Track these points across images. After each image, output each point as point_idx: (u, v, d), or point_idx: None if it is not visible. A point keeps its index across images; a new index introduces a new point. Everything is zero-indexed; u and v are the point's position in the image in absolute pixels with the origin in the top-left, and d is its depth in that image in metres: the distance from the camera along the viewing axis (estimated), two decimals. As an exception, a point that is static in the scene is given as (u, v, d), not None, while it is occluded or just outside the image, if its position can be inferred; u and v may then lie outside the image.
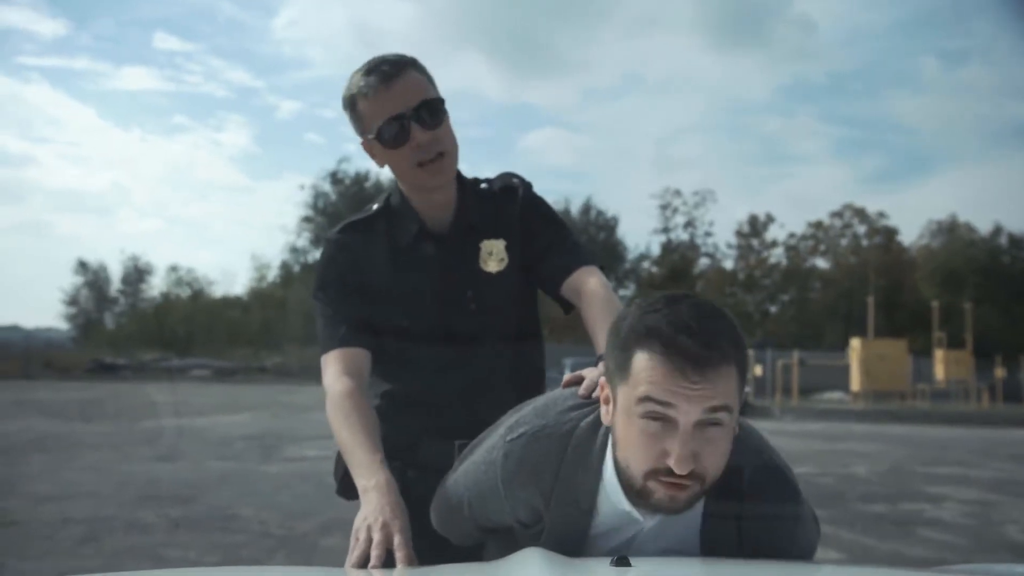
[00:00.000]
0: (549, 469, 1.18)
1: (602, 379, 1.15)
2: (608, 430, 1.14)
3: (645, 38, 61.61)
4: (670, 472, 1.03)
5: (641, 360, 1.04)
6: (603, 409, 1.14)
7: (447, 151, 1.57)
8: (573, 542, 1.17)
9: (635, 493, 1.09)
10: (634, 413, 1.04)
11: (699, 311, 1.05)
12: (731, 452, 1.10)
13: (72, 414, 14.55)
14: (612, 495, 1.15)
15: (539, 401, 1.29)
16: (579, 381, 1.29)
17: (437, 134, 1.55)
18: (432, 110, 1.54)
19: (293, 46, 65.00)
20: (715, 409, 1.03)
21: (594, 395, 1.23)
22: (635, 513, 1.13)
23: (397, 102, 1.52)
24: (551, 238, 1.69)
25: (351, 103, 1.57)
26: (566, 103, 65.27)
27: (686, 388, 1.01)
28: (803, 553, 1.20)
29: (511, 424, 1.24)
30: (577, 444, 1.17)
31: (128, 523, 5.76)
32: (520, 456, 1.19)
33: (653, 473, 1.05)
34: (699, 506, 1.14)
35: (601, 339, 1.38)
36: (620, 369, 1.07)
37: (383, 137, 1.54)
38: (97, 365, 32.51)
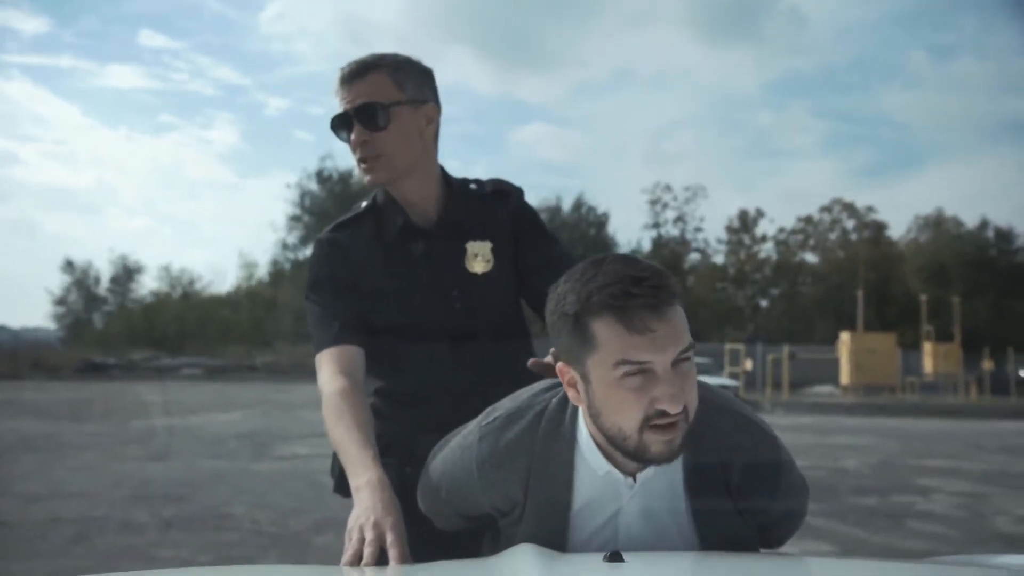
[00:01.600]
0: (524, 448, 1.20)
1: (560, 365, 1.16)
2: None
3: (636, 33, 61.69)
4: (663, 414, 1.06)
5: (601, 328, 1.05)
6: (570, 393, 1.15)
7: (386, 154, 1.59)
8: (556, 519, 1.18)
9: (630, 452, 1.10)
10: (612, 379, 1.06)
11: (631, 262, 1.08)
12: (703, 409, 1.12)
13: (61, 414, 14.48)
14: (590, 459, 1.17)
15: (514, 393, 1.31)
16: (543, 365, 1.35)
17: (378, 137, 1.57)
18: (372, 112, 1.56)
19: (280, 42, 64.81)
20: (683, 350, 1.06)
21: None
22: (616, 472, 1.15)
23: (346, 101, 1.58)
24: (543, 255, 1.71)
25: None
26: (557, 98, 65.32)
27: (653, 338, 1.04)
28: (791, 494, 1.23)
29: (487, 412, 1.28)
30: (549, 419, 1.20)
31: (119, 523, 5.73)
32: (495, 438, 1.22)
33: (646, 422, 1.07)
34: (678, 465, 1.16)
35: None
36: (581, 345, 1.08)
37: (334, 130, 1.61)
38: (86, 365, 32.32)
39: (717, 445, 1.16)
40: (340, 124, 1.60)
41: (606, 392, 1.07)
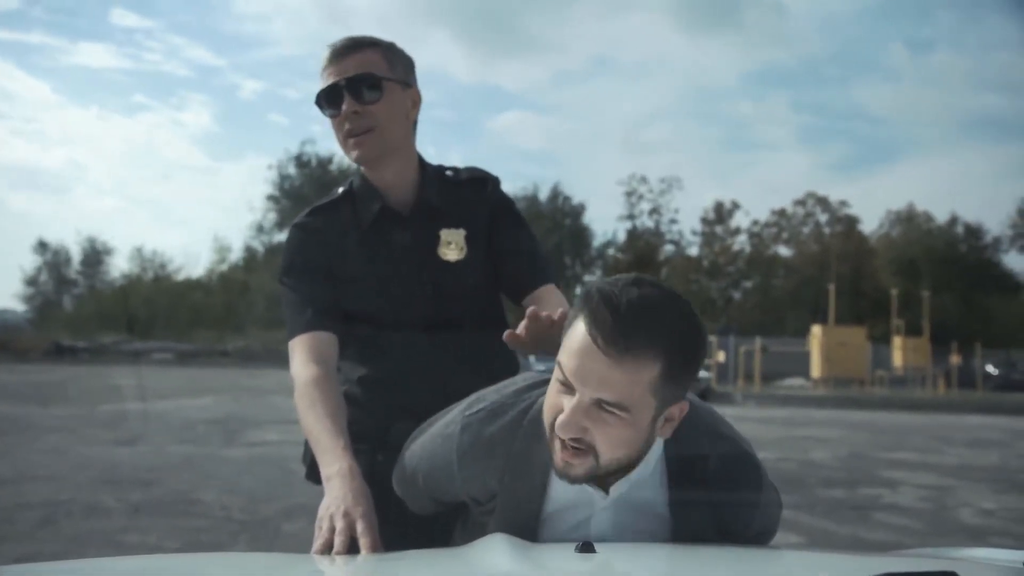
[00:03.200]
0: (503, 444, 1.19)
1: None
2: None
3: (616, 20, 61.72)
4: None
5: (570, 326, 1.05)
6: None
7: (378, 128, 1.58)
8: (526, 519, 1.17)
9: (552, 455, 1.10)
10: (555, 373, 1.08)
11: (639, 299, 1.01)
12: (692, 437, 1.11)
13: (30, 397, 14.29)
14: None
15: (501, 383, 1.30)
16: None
17: (370, 109, 1.57)
18: (366, 83, 1.56)
19: (256, 23, 64.14)
20: (605, 403, 1.02)
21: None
22: (588, 487, 1.14)
23: (337, 75, 1.57)
24: (518, 246, 1.71)
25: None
26: (536, 85, 65.26)
27: (588, 369, 1.02)
28: (768, 515, 1.23)
29: (471, 401, 1.27)
30: (533, 419, 1.18)
31: (87, 507, 5.67)
32: (477, 430, 1.21)
33: (551, 430, 1.07)
34: (663, 493, 1.15)
35: None
36: (566, 327, 1.07)
37: (320, 105, 1.60)
38: (56, 347, 31.93)
39: (703, 479, 1.14)
40: (328, 97, 1.58)
41: (551, 383, 1.09)
